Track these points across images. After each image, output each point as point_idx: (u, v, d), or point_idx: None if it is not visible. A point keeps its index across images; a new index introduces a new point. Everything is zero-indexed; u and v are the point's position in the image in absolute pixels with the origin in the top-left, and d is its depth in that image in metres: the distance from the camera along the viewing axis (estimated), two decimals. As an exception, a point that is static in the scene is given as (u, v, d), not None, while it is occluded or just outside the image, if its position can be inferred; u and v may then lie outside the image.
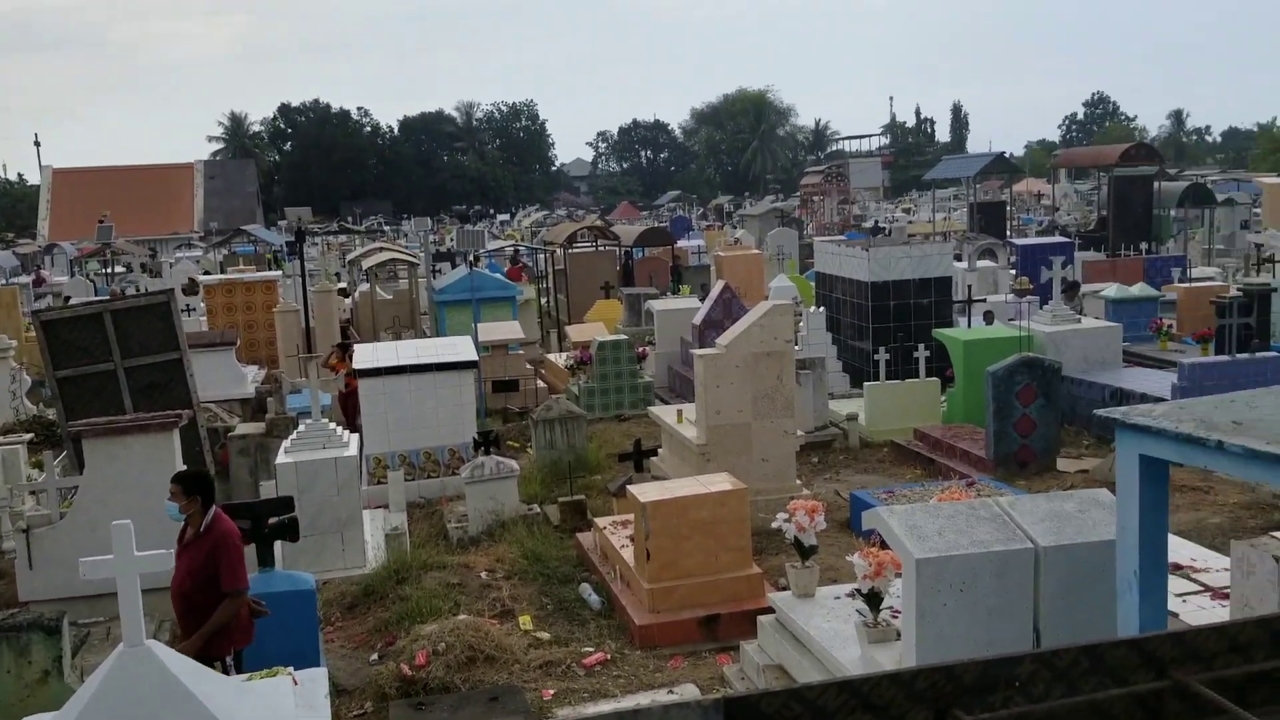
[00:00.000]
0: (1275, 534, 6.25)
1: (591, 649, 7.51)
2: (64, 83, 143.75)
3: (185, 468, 7.32)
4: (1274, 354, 12.59)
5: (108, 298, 17.67)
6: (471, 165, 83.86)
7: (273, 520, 6.93)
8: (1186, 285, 19.01)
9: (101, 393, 10.76)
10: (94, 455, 8.62)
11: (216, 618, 5.85)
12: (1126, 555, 4.83)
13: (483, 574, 8.88)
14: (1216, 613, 6.57)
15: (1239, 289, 15.09)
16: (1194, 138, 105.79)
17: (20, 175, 74.58)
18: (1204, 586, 7.04)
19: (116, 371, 10.80)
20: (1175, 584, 6.79)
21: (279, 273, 22.65)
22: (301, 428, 9.85)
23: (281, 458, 9.45)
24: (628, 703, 6.80)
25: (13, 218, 63.21)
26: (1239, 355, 12.07)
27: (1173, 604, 6.36)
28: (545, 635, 7.73)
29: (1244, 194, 38.98)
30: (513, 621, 7.96)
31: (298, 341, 16.72)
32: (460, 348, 12.03)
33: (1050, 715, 1.66)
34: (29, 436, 13.15)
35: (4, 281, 27.92)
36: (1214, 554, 7.71)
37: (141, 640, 3.80)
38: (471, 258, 20.40)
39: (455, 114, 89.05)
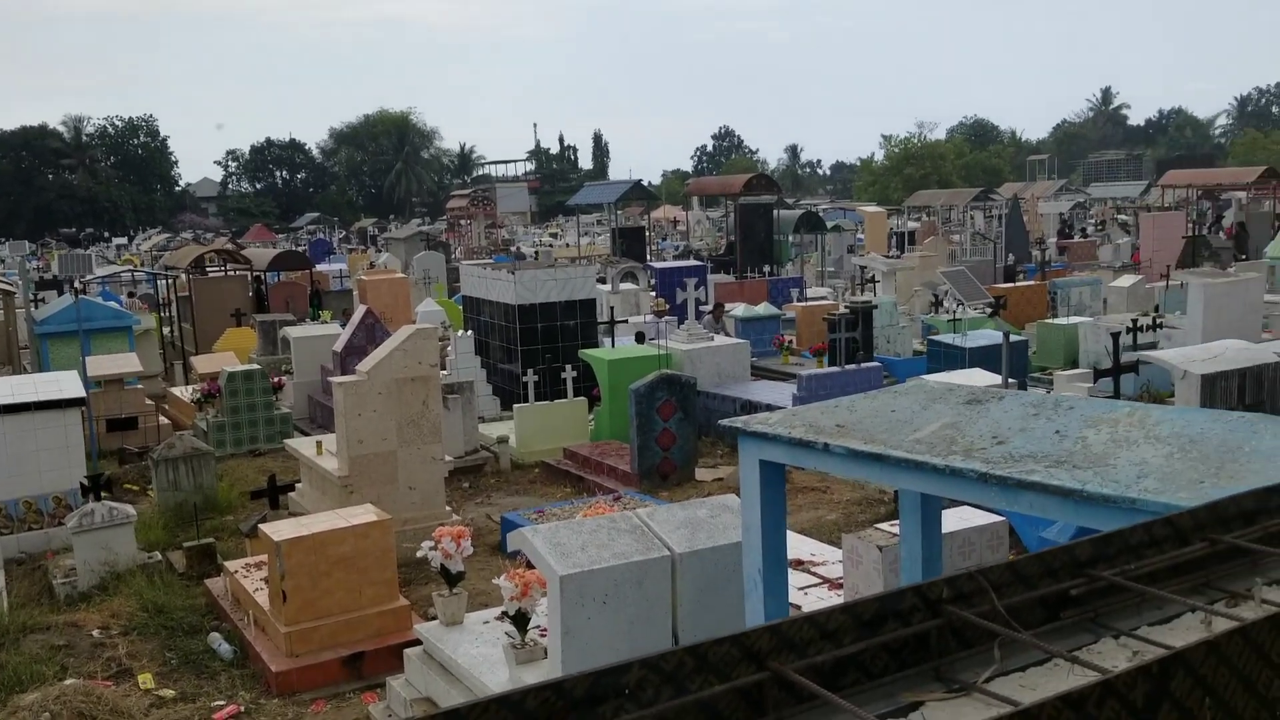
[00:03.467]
0: (879, 525, 6.87)
1: (223, 702, 6.93)
2: None
3: None
4: (876, 364, 13.99)
5: None
6: (82, 184, 76.37)
7: None
8: (803, 304, 20.78)
9: None
10: None
11: None
12: (751, 554, 5.11)
13: (95, 632, 7.98)
14: (834, 601, 7.13)
15: (847, 307, 16.67)
16: (807, 170, 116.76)
17: None
18: (822, 579, 7.62)
19: None
20: (797, 578, 7.31)
21: None
22: None
23: None
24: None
25: None
26: (848, 366, 13.30)
27: (795, 597, 6.83)
28: (169, 693, 7.05)
29: (849, 221, 43.42)
30: (131, 681, 7.20)
31: None
32: (63, 384, 10.81)
33: (660, 718, 1.65)
34: None
35: None
36: (830, 548, 8.39)
37: None
38: (78, 284, 18.47)
39: (61, 128, 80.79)
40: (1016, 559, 2.04)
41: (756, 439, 4.96)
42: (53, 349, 15.45)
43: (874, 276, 23.87)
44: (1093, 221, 48.19)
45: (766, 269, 28.65)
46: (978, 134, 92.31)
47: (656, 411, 11.75)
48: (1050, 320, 18.20)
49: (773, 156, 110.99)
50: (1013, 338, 12.31)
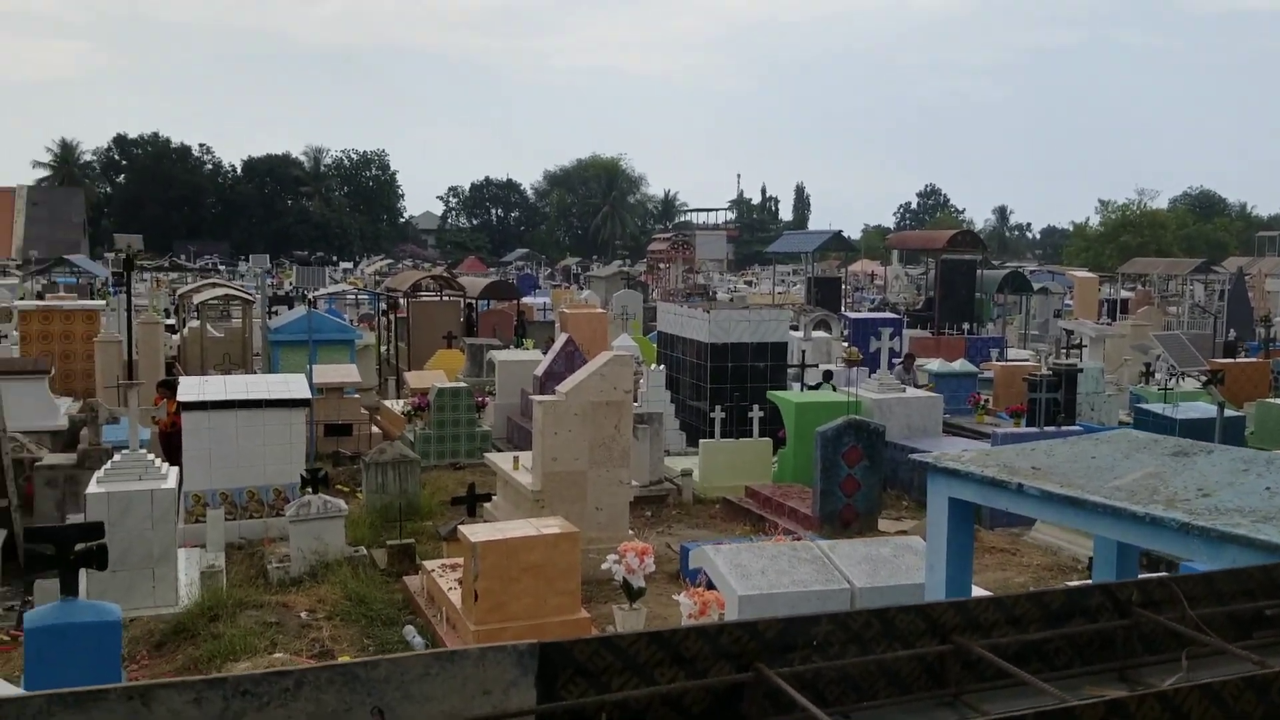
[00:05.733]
0: (1068, 583, 6.66)
1: (413, 690, 7.33)
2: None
3: None
4: (1078, 428, 13.47)
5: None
6: (317, 211, 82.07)
7: (79, 546, 6.54)
8: (1003, 364, 20.20)
9: (-107, 413, 10.00)
10: (-121, 476, 8.00)
11: None
12: (934, 595, 5.09)
13: (303, 614, 8.60)
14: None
15: (1049, 369, 16.12)
16: (1016, 233, 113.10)
17: None
18: (1006, 635, 7.42)
19: (-88, 391, 10.07)
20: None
21: (101, 302, 21.57)
22: (117, 458, 9.37)
23: (93, 488, 8.95)
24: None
25: None
26: (1047, 428, 12.87)
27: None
28: (365, 676, 7.51)
29: (1058, 285, 41.82)
30: (331, 661, 7.72)
31: (118, 374, 15.92)
32: (292, 385, 11.71)
33: (844, 673, 1.75)
34: None
35: None
36: (1016, 606, 8.15)
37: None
38: (311, 297, 19.89)
39: (303, 158, 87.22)
40: (1212, 571, 2.06)
41: (946, 475, 4.96)
42: (283, 356, 16.72)
43: (1081, 341, 22.91)
44: (1330, 302, 44.61)
45: (965, 327, 27.96)
46: (1203, 205, 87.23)
47: (842, 457, 11.69)
48: (1272, 400, 17.04)
49: (980, 217, 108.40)
50: (1228, 413, 11.65)
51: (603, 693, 1.68)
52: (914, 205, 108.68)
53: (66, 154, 78.66)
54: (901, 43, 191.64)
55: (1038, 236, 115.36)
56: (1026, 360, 22.24)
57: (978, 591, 7.18)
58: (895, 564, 6.01)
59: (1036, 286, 35.22)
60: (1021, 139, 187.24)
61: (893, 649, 1.81)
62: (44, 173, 76.65)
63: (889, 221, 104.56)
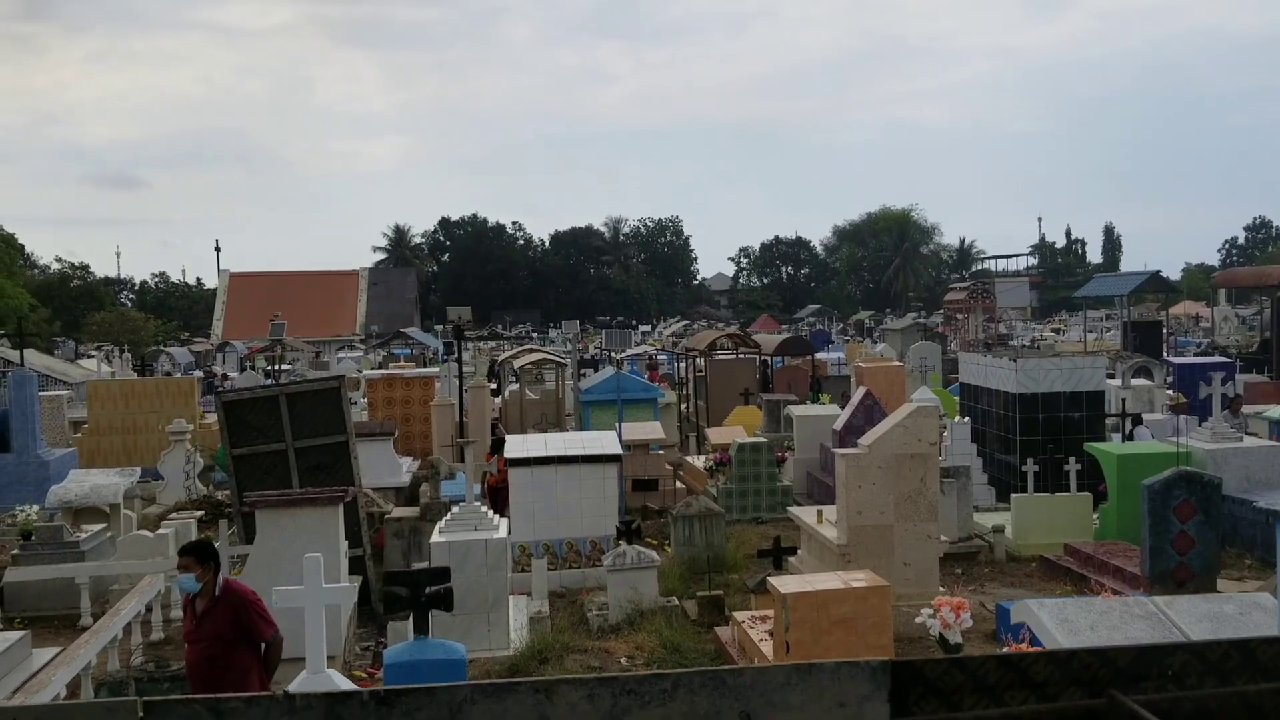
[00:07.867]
0: None
1: (729, 737, 7.50)
2: (241, 195, 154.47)
3: (189, 542, 6.89)
4: None
5: (284, 382, 18.73)
6: (617, 278, 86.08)
7: (430, 589, 7.24)
8: (1360, 410, 18.04)
9: (272, 471, 11.42)
10: (265, 525, 9.18)
11: (276, 660, 6.37)
12: (1292, 653, 4.70)
13: (622, 659, 9.01)
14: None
15: None
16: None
17: (199, 279, 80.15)
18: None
19: (287, 451, 11.47)
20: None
21: (437, 369, 23.67)
22: (455, 510, 10.26)
23: (435, 537, 9.85)
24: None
25: (189, 318, 67.72)
26: None
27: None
28: (684, 721, 7.76)
29: None
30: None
31: (452, 434, 17.38)
32: (605, 441, 12.37)
33: (1202, 705, 1.75)
34: (199, 514, 14.00)
35: (181, 374, 29.94)
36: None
37: (323, 668, 4.09)
38: (617, 358, 20.90)
39: (603, 229, 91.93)
40: None
41: (1301, 526, 4.59)
42: (594, 415, 17.68)
43: None
44: None
45: (1312, 370, 25.22)
46: None
47: (1172, 512, 10.86)
48: None
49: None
50: None
51: (954, 711, 1.76)
52: (1241, 240, 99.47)
53: (400, 237, 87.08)
54: (1211, 69, 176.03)
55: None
56: (1392, 405, 19.74)
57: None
58: (1241, 622, 5.56)
59: (1399, 322, 31.17)
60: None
61: (1254, 682, 1.78)
62: (381, 256, 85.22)
63: (1212, 259, 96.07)
